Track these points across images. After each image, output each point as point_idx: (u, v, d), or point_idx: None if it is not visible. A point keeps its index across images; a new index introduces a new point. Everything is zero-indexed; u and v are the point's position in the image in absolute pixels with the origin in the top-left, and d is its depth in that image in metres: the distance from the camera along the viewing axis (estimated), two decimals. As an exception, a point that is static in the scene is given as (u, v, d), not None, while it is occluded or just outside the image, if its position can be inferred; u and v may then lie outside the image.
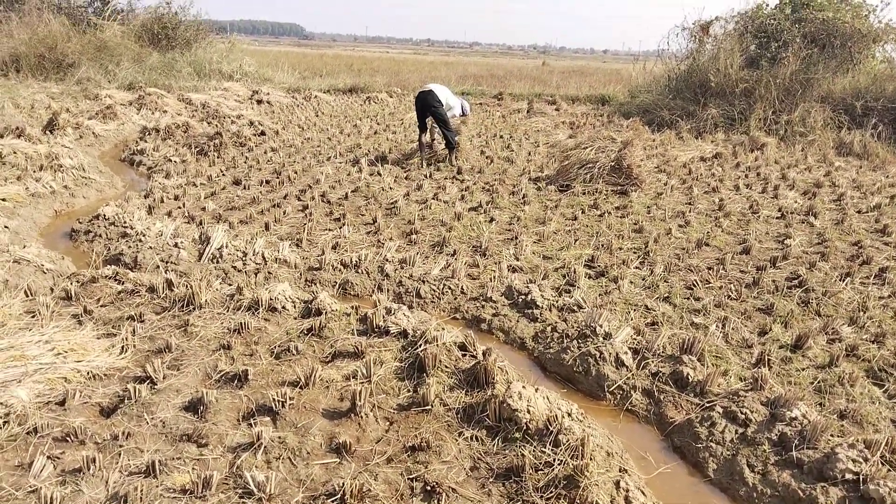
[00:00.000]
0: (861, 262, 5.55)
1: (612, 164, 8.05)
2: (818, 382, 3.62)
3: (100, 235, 5.79)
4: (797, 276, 5.13)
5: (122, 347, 3.61)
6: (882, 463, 2.81)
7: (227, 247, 5.25)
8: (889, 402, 3.49)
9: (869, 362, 3.88)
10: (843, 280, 5.11)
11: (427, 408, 3.10)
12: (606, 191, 7.80)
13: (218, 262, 5.13)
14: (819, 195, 7.98)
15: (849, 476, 2.71)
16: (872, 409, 3.36)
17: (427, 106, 8.80)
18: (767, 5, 15.44)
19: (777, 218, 6.98)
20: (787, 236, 6.17)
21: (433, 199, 7.24)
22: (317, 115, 14.53)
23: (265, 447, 2.75)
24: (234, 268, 5.06)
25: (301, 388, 3.20)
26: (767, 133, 12.14)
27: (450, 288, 4.91)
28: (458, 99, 9.44)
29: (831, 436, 3.02)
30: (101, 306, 4.15)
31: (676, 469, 3.09)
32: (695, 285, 4.99)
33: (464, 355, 3.59)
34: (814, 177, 9.11)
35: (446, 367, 3.46)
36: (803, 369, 3.78)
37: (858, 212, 7.33)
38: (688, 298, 4.77)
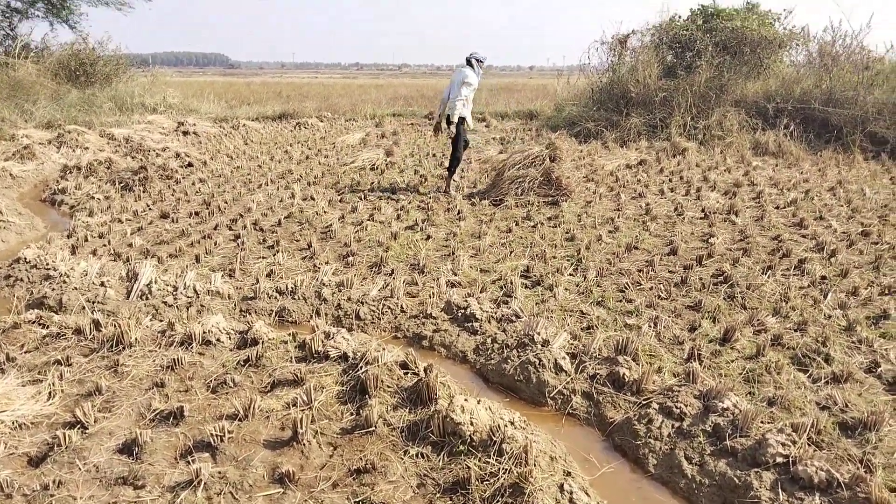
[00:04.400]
0: (781, 255, 5.82)
1: (542, 176, 8.22)
2: (747, 372, 3.77)
3: (21, 279, 5.53)
4: (722, 273, 5.33)
5: (50, 393, 3.45)
6: (809, 444, 2.95)
7: (156, 282, 5.10)
8: (813, 386, 3.66)
9: (793, 350, 4.06)
10: (766, 273, 5.35)
11: (371, 429, 3.08)
12: (538, 202, 7.95)
13: (147, 298, 4.98)
14: (739, 194, 8.34)
15: (779, 459, 2.83)
16: (798, 395, 3.51)
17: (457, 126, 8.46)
18: (680, 17, 16.15)
19: (701, 218, 7.25)
20: (711, 235, 6.42)
21: (369, 220, 7.23)
22: (246, 144, 14.32)
23: (205, 483, 2.68)
24: (165, 303, 4.92)
25: (240, 420, 3.13)
26: (688, 138, 12.66)
27: (389, 307, 4.90)
28: (467, 72, 8.41)
29: (762, 422, 3.14)
30: (25, 352, 3.96)
31: (619, 468, 3.16)
32: (626, 288, 5.13)
33: (406, 373, 3.59)
34: (733, 177, 9.52)
35: (388, 386, 3.44)
36: (732, 361, 3.93)
37: (777, 207, 7.69)
38: (620, 301, 4.90)
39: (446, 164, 10.77)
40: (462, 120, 8.47)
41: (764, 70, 14.80)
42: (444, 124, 8.67)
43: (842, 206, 7.75)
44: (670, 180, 9.48)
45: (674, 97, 13.62)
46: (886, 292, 4.99)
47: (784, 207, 7.70)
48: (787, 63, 15.58)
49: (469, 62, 8.49)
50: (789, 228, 6.79)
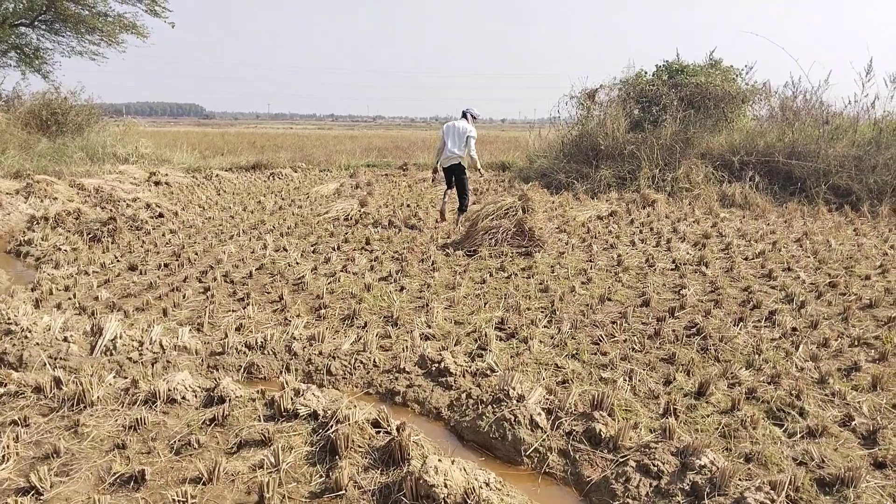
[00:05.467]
0: (752, 306, 5.87)
1: (515, 227, 8.28)
2: (723, 427, 3.74)
3: (-21, 335, 5.35)
4: (695, 325, 5.36)
5: (3, 456, 3.28)
6: (787, 502, 2.91)
7: (121, 337, 4.95)
8: (789, 440, 3.63)
9: (768, 403, 4.04)
10: (737, 325, 5.38)
11: (341, 493, 2.98)
12: (511, 253, 7.98)
13: (112, 354, 4.82)
14: (708, 245, 8.46)
15: (758, 518, 2.78)
16: (775, 450, 3.48)
17: (455, 172, 9.78)
18: (646, 73, 16.65)
19: (672, 269, 7.32)
20: (683, 286, 6.47)
21: (342, 271, 7.17)
22: (218, 194, 14.26)
23: (165, 554, 2.54)
24: (130, 359, 4.77)
25: (204, 484, 3.01)
26: (657, 190, 12.90)
27: (362, 362, 4.81)
28: (471, 127, 9.68)
29: (740, 480, 3.10)
30: (-21, 413, 3.80)
31: (597, 529, 3.08)
32: (601, 340, 5.11)
33: (378, 432, 3.49)
34: (702, 228, 9.68)
35: (360, 446, 3.35)
36: (708, 415, 3.90)
37: (745, 259, 7.80)
38: (595, 354, 4.88)
39: (420, 214, 10.90)
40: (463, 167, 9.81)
41: (728, 124, 15.26)
42: (479, 167, 10.02)
43: (808, 257, 7.89)
44: (641, 231, 9.61)
45: (642, 150, 13.93)
46: (856, 344, 5.04)
47: (752, 259, 7.81)
48: (751, 117, 16.10)
49: (465, 115, 9.68)
50: (759, 280, 6.88)
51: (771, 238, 9.01)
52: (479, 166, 9.96)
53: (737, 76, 16.03)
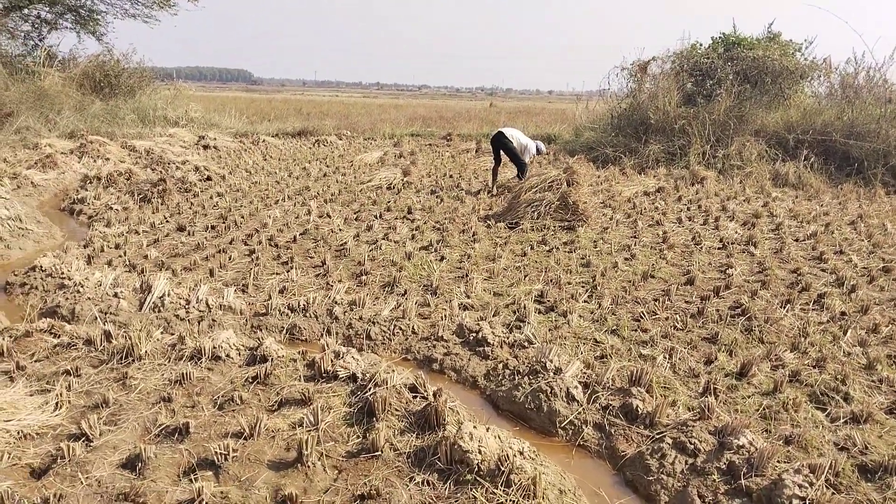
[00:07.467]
0: (800, 289, 5.72)
1: (559, 200, 8.19)
2: (763, 409, 3.68)
3: (36, 287, 5.56)
4: (740, 305, 5.25)
5: (57, 404, 3.44)
6: (827, 487, 2.86)
7: (169, 295, 5.10)
8: (831, 425, 3.56)
9: (811, 387, 3.96)
10: (784, 307, 5.25)
11: (377, 453, 3.03)
12: (554, 227, 7.91)
13: (159, 311, 4.97)
14: (758, 225, 8.24)
15: (796, 502, 2.74)
16: (816, 434, 3.42)
17: (500, 143, 10.31)
18: (701, 45, 16.15)
19: (719, 248, 7.17)
20: (729, 266, 6.33)
21: (383, 239, 7.22)
22: (265, 159, 14.43)
23: (206, 503, 2.64)
24: (177, 316, 4.91)
25: (245, 438, 3.10)
26: (706, 167, 12.57)
27: (400, 328, 4.86)
28: (531, 140, 10.66)
29: (778, 462, 3.06)
30: (35, 361, 3.97)
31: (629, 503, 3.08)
32: (642, 317, 5.05)
33: (414, 397, 3.54)
34: (752, 208, 9.42)
35: (396, 410, 3.40)
36: (749, 396, 3.84)
37: (796, 240, 7.58)
38: (635, 330, 4.83)
39: (463, 184, 10.92)
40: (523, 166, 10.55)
41: (785, 100, 14.71)
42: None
43: (862, 240, 7.63)
44: (688, 209, 9.40)
45: (693, 125, 13.55)
46: (908, 331, 4.88)
47: (804, 240, 7.59)
48: (809, 94, 15.50)
49: (537, 147, 10.68)
50: (809, 262, 6.69)
51: (824, 220, 8.73)
52: (526, 172, 10.43)
53: (796, 51, 15.41)
